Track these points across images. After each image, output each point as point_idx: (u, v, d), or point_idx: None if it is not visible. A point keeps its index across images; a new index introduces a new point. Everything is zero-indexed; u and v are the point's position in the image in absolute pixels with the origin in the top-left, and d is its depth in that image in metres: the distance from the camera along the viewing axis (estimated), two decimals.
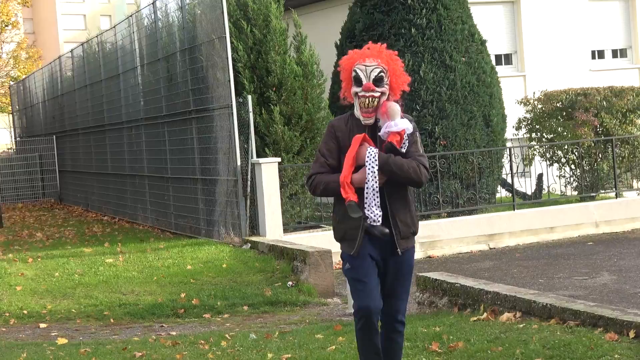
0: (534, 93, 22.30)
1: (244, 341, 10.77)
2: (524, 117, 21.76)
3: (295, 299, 14.07)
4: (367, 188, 5.61)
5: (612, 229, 18.32)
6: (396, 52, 5.77)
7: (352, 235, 5.74)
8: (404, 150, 5.75)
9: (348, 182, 5.74)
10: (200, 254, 18.40)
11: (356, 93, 5.71)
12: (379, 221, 5.47)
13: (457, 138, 19.16)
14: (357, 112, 5.92)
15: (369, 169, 5.56)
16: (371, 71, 5.52)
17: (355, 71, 5.63)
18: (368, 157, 5.53)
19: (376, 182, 5.57)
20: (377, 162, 5.50)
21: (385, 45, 5.67)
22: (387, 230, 5.50)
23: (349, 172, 5.78)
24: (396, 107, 5.64)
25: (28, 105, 47.22)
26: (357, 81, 5.62)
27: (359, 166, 6.01)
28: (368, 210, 5.58)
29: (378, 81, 5.52)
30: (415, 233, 5.93)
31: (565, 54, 26.64)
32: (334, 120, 5.78)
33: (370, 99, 5.57)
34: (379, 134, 5.71)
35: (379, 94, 5.63)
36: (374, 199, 5.51)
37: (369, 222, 5.57)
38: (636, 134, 20.85)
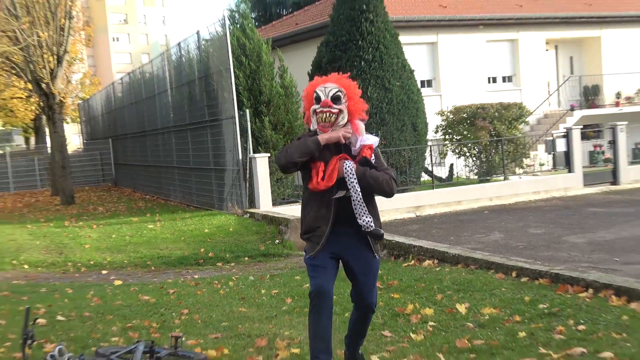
0: (447, 107, 22.31)
1: (245, 281, 10.87)
2: (440, 124, 21.76)
3: (281, 252, 14.14)
4: (353, 201, 4.86)
5: (501, 202, 18.40)
6: (356, 83, 5.07)
7: (316, 240, 4.99)
8: (374, 163, 5.04)
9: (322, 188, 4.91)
10: (214, 222, 18.41)
11: (314, 110, 4.98)
12: (372, 226, 4.78)
13: (393, 139, 19.17)
14: (315, 127, 5.10)
15: (349, 182, 4.83)
16: (329, 91, 4.86)
17: (316, 92, 4.99)
18: (346, 171, 4.81)
19: (359, 193, 4.81)
20: (355, 176, 4.75)
21: (347, 75, 5.09)
22: (382, 232, 4.89)
23: (324, 184, 4.90)
24: (362, 124, 5.03)
25: (91, 117, 46.85)
26: (317, 100, 4.94)
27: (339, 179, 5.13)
28: (360, 219, 4.86)
29: (335, 99, 4.82)
30: (383, 236, 5.22)
31: (469, 79, 26.58)
32: (302, 134, 5.16)
33: (328, 114, 4.82)
34: (353, 148, 4.92)
35: (337, 110, 4.84)
36: (362, 208, 4.79)
37: (363, 229, 4.86)
38: (518, 135, 20.88)
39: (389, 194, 5.00)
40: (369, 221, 4.85)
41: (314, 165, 5.10)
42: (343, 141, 4.87)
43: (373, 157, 4.98)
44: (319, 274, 5.02)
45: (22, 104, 42.74)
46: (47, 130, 34.22)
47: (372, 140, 5.00)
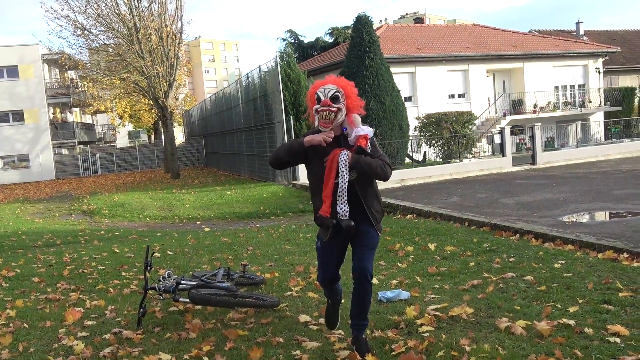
0: (422, 114, 22.06)
1: (289, 228, 10.78)
2: (417, 125, 21.50)
3: (312, 209, 14.07)
4: (339, 188, 3.81)
5: (458, 176, 18.21)
6: (353, 83, 4.20)
7: (325, 226, 3.96)
8: (369, 151, 4.03)
9: (326, 187, 3.84)
10: (269, 189, 18.39)
11: (316, 109, 4.02)
12: (346, 216, 3.73)
13: (386, 135, 19.04)
14: (317, 124, 4.07)
15: (341, 171, 3.78)
16: (328, 92, 3.97)
17: (317, 93, 4.06)
18: (341, 158, 3.81)
19: (346, 182, 3.78)
20: (347, 164, 3.78)
21: (342, 77, 4.21)
22: (352, 223, 3.73)
23: (328, 187, 3.82)
24: (358, 117, 4.08)
25: (190, 122, 47.07)
26: (318, 100, 4.01)
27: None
28: (338, 206, 3.84)
29: (334, 99, 3.93)
30: (383, 214, 4.19)
31: (436, 96, 26.40)
32: (307, 133, 4.11)
33: (327, 112, 3.89)
34: (349, 139, 3.96)
35: (336, 109, 3.92)
36: (343, 197, 3.77)
37: (338, 216, 3.81)
38: (468, 133, 20.62)
39: (383, 178, 3.94)
40: (344, 210, 3.76)
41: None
42: (324, 144, 3.86)
43: (369, 146, 3.94)
44: (324, 266, 4.10)
45: (146, 114, 43.11)
46: (162, 130, 34.43)
47: (367, 130, 3.98)
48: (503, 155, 20.11)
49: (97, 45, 29.22)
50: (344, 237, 3.94)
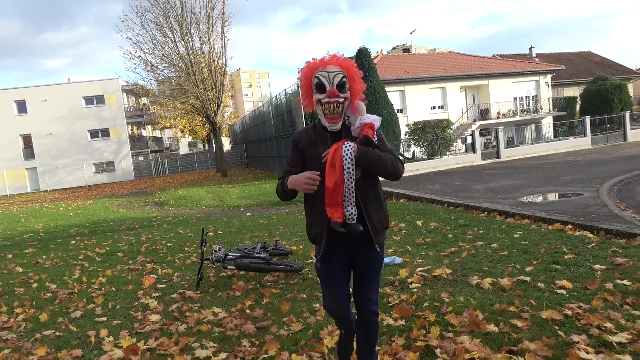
0: (411, 122, 21.85)
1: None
2: (407, 131, 21.30)
3: None
4: (345, 187, 2.44)
5: (439, 169, 17.99)
6: (353, 62, 2.63)
7: (319, 240, 2.55)
8: (377, 144, 2.59)
9: (336, 189, 2.43)
10: None
11: (319, 100, 2.53)
12: (353, 220, 2.44)
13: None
14: (322, 119, 2.58)
15: (345, 166, 2.40)
16: (334, 77, 2.48)
17: (317, 78, 2.51)
18: (345, 152, 2.40)
19: (352, 181, 2.44)
20: (353, 158, 2.41)
21: (342, 54, 2.64)
22: (360, 228, 2.42)
23: (333, 179, 2.42)
24: (363, 104, 2.67)
25: (234, 133, 47.15)
26: (320, 88, 2.49)
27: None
28: (345, 209, 2.47)
29: (341, 87, 2.49)
30: (387, 227, 2.63)
31: (421, 108, 26.41)
32: (297, 133, 2.72)
33: (335, 105, 2.48)
34: (352, 128, 2.56)
35: (343, 99, 2.51)
36: (351, 198, 2.44)
37: (345, 220, 2.48)
38: (446, 135, 20.38)
39: (394, 175, 2.47)
40: (352, 213, 2.41)
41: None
42: (310, 191, 2.39)
43: (376, 138, 2.54)
44: (328, 289, 2.55)
45: (200, 128, 43.30)
46: (213, 140, 34.59)
47: (373, 118, 2.55)
48: (474, 152, 19.85)
49: (163, 77, 29.48)
50: (345, 250, 2.49)
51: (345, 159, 2.32)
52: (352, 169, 2.33)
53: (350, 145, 2.34)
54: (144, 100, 42.69)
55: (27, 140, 37.03)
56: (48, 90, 36.82)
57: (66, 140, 37.14)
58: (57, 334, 3.96)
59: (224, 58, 27.73)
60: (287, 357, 3.12)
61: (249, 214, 12.09)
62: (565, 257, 4.66)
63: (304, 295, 4.33)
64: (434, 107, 27.52)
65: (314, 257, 5.73)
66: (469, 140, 22.50)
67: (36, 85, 38.66)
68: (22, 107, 36.78)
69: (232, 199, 16.26)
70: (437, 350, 2.93)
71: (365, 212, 2.40)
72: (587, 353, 2.69)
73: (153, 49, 27.16)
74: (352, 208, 2.37)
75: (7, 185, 36.25)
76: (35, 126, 36.49)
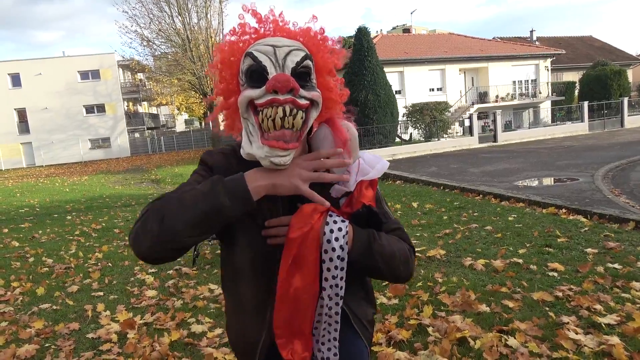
0: (409, 104, 21.75)
1: None
2: (405, 113, 21.22)
3: None
4: (322, 308, 0.92)
5: (436, 152, 18.02)
6: (327, 37, 0.97)
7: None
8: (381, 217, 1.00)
9: (302, 309, 0.93)
10: None
11: (251, 102, 0.87)
12: None
13: (381, 120, 18.83)
14: (254, 144, 0.91)
15: (331, 273, 0.90)
16: (287, 55, 0.85)
17: (251, 55, 0.86)
18: (329, 241, 0.90)
19: (340, 300, 0.94)
20: (345, 256, 0.92)
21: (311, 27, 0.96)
22: None
23: (296, 293, 0.90)
24: (353, 129, 1.03)
25: None
26: (256, 76, 0.85)
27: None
28: (318, 350, 0.97)
29: (302, 76, 0.86)
30: (374, 321, 1.16)
31: (419, 90, 26.31)
32: (210, 155, 1.05)
33: (290, 110, 0.83)
34: (337, 189, 0.99)
35: (307, 102, 0.87)
36: (332, 330, 0.94)
37: None
38: (444, 118, 20.32)
39: (404, 279, 1.07)
40: (332, 356, 1.00)
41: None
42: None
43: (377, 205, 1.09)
44: None
45: (197, 105, 42.93)
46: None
47: (379, 167, 1.07)
48: (471, 135, 19.86)
49: (159, 53, 29.14)
50: None
51: (331, 258, 0.98)
52: (342, 278, 1.00)
53: (339, 226, 0.98)
54: (140, 76, 42.20)
55: (22, 114, 36.65)
56: (43, 64, 36.30)
57: (61, 115, 36.80)
58: (54, 307, 4.00)
59: (221, 34, 27.39)
60: None
61: None
62: (558, 240, 4.72)
63: None
64: (433, 89, 27.39)
65: None
66: (467, 123, 22.47)
67: (30, 58, 38.08)
68: (16, 80, 36.29)
69: None
70: (430, 329, 2.98)
71: (350, 312, 1.11)
72: (577, 334, 2.74)
73: (150, 23, 26.82)
74: (331, 348, 1.05)
75: (2, 160, 36.03)
76: (30, 100, 36.08)
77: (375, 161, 1.12)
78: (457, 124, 24.85)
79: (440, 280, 3.87)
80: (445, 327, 2.98)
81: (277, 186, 0.96)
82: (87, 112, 37.50)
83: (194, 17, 27.06)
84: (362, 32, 19.65)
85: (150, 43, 27.68)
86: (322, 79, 1.04)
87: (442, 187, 8.95)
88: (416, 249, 4.76)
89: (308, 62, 0.98)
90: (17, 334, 3.44)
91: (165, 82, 31.10)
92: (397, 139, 20.57)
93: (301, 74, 0.96)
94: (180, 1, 26.36)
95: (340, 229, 0.97)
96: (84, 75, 37.14)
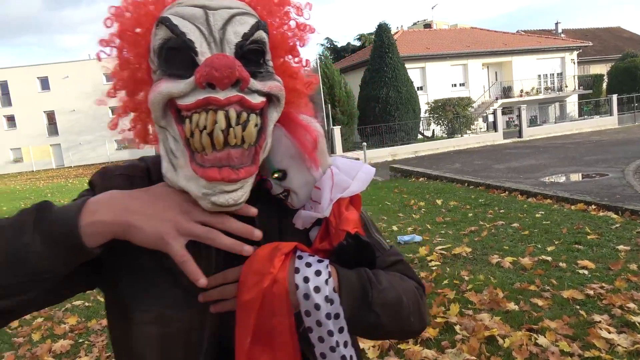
0: (431, 100, 21.54)
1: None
2: (427, 109, 21.02)
3: None
4: None
5: (459, 148, 17.80)
6: None
7: None
8: (368, 244, 0.63)
9: None
10: None
11: (171, 99, 0.53)
12: None
13: (403, 117, 18.71)
14: (181, 172, 0.57)
15: (326, 339, 0.55)
16: (227, 21, 0.49)
17: (166, 23, 0.49)
18: (307, 300, 0.55)
19: None
20: (339, 310, 0.57)
21: None
22: None
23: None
24: (321, 134, 0.64)
25: None
26: (177, 58, 0.50)
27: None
28: None
29: (254, 58, 0.51)
30: None
31: (441, 85, 25.94)
32: (107, 179, 0.65)
33: (236, 114, 0.50)
34: (305, 214, 0.64)
35: (262, 99, 0.54)
36: None
37: None
38: (467, 114, 20.06)
39: (415, 333, 0.70)
40: None
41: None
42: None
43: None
44: None
45: None
46: None
47: (362, 176, 0.69)
48: (495, 131, 19.56)
49: None
50: None
51: (318, 321, 0.62)
52: (347, 344, 0.64)
53: (316, 270, 0.63)
54: None
55: (51, 116, 37.71)
56: (70, 67, 37.23)
57: (89, 117, 37.68)
58: (87, 304, 4.11)
59: None
60: None
61: None
62: (588, 237, 4.61)
63: None
64: (455, 85, 27.05)
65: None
66: (491, 118, 22.17)
67: (58, 62, 39.11)
68: (45, 84, 37.34)
69: None
70: (457, 327, 2.96)
71: None
72: (609, 333, 2.68)
73: None
74: None
75: (32, 161, 37.15)
76: (59, 103, 37.07)
77: (354, 168, 0.73)
78: (480, 119, 24.52)
79: (466, 278, 3.83)
80: (472, 325, 2.95)
81: (133, 229, 0.58)
82: (113, 114, 38.32)
83: None
84: (382, 29, 19.56)
85: None
86: (281, 61, 0.70)
87: (466, 184, 8.84)
88: (441, 247, 4.76)
89: (261, 35, 0.62)
90: (53, 330, 3.55)
91: None
92: (420, 136, 20.40)
93: (251, 54, 0.61)
94: None
95: (318, 273, 0.61)
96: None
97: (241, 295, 0.59)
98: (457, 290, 3.58)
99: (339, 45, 47.47)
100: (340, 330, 0.61)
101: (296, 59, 0.72)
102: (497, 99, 26.87)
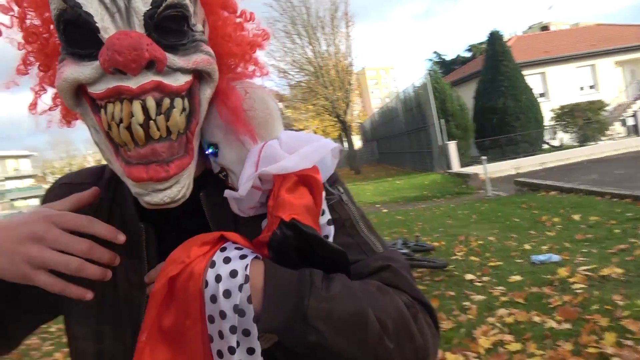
0: (556, 107, 19.86)
1: (449, 207, 10.37)
2: (552, 117, 19.38)
3: (466, 192, 13.19)
4: None
5: (594, 157, 15.91)
6: None
7: None
8: (331, 241, 0.48)
9: None
10: (429, 177, 17.81)
11: (81, 85, 0.42)
12: None
13: (524, 126, 17.45)
14: (113, 163, 0.48)
15: (225, 357, 0.41)
16: None
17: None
18: (214, 304, 0.44)
19: None
20: (250, 326, 0.44)
21: None
22: None
23: None
24: (272, 106, 0.60)
25: (365, 131, 47.80)
26: (78, 34, 0.39)
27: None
28: None
29: (172, 27, 0.41)
30: None
31: (566, 89, 23.71)
32: (52, 188, 0.62)
33: (154, 103, 0.41)
34: (240, 207, 0.52)
35: (187, 79, 0.45)
36: None
37: None
38: (601, 118, 18.05)
39: (423, 355, 0.51)
40: None
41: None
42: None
43: (328, 217, 0.54)
44: None
45: (331, 128, 44.74)
46: (344, 139, 35.50)
47: (308, 151, 0.54)
48: (637, 135, 17.36)
49: (294, 82, 31.22)
50: None
51: (220, 332, 0.50)
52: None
53: (231, 269, 0.50)
54: (280, 105, 45.60)
55: None
56: None
57: None
58: None
59: (349, 57, 28.35)
60: (441, 355, 3.07)
61: (385, 210, 12.13)
62: None
63: (452, 293, 4.22)
64: (583, 88, 24.67)
65: (457, 254, 5.56)
66: (630, 122, 19.71)
67: None
68: None
69: (367, 196, 16.47)
70: (615, 359, 2.63)
71: None
72: None
73: (284, 56, 28.95)
74: None
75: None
76: None
77: (301, 141, 0.60)
78: (617, 124, 21.93)
79: (620, 303, 3.40)
80: (635, 357, 2.60)
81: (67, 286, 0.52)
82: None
83: (323, 45, 28.52)
84: (494, 37, 18.72)
85: (286, 74, 29.84)
86: (213, 19, 0.58)
87: (608, 197, 7.92)
88: (585, 267, 4.32)
89: (183, 9, 0.51)
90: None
91: (302, 109, 33.12)
92: (546, 146, 18.86)
93: (170, 22, 0.50)
94: (310, 31, 28.03)
95: (234, 274, 0.49)
96: None
97: (154, 285, 0.51)
98: (610, 317, 3.19)
99: (448, 59, 46.31)
100: (250, 351, 0.48)
101: (233, 14, 0.59)
102: (636, 99, 23.89)
